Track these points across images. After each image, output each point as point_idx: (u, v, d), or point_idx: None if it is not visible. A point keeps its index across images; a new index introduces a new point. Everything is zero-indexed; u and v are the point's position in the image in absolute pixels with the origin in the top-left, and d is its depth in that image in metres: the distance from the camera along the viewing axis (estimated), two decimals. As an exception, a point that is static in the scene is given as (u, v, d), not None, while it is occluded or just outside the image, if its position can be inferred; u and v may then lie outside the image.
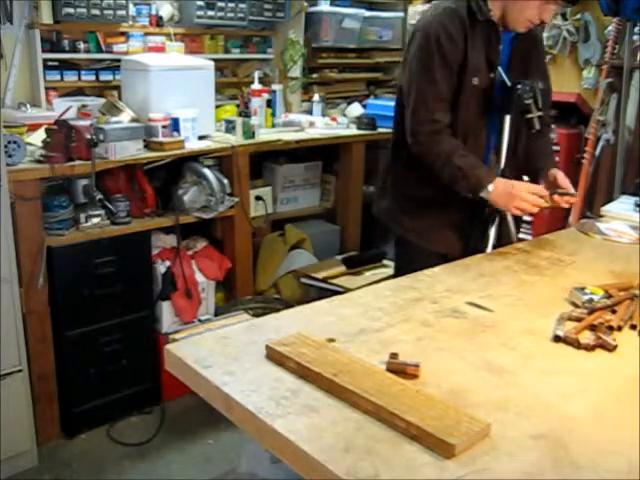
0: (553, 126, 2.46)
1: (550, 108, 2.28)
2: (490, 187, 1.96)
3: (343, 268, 3.43)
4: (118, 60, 3.20)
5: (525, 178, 2.21)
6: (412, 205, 2.18)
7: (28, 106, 3.02)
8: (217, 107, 3.35)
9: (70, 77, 3.23)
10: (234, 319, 1.42)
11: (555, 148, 3.33)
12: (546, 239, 2.10)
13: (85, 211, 2.68)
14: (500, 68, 2.04)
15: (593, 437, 1.02)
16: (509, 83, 2.02)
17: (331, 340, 1.29)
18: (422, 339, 1.33)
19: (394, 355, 1.20)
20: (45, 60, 3.12)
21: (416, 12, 4.13)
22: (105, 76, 3.30)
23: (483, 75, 2.02)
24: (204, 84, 3.14)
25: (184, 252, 3.04)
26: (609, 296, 1.49)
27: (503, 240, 2.11)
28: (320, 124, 3.66)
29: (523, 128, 2.10)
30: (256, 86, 3.54)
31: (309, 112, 3.91)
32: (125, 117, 2.86)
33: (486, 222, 2.11)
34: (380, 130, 3.61)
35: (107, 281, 2.72)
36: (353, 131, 3.69)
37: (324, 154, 3.76)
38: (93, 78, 3.28)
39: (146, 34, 3.41)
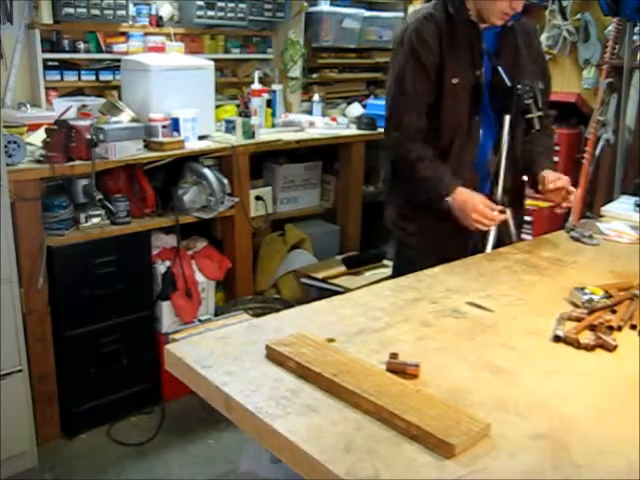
0: (554, 127, 2.44)
1: (548, 107, 2.25)
2: (449, 199, 1.97)
3: (343, 268, 3.43)
4: (118, 60, 3.20)
5: (525, 178, 2.20)
6: (410, 209, 2.18)
7: (28, 106, 3.02)
8: (217, 107, 3.35)
9: (70, 77, 3.23)
10: (234, 319, 1.42)
11: (555, 148, 3.34)
12: (546, 239, 2.10)
13: (85, 211, 2.68)
14: (500, 68, 2.03)
15: (593, 437, 1.02)
16: (509, 83, 2.02)
17: (331, 340, 1.29)
18: (422, 339, 1.33)
19: (394, 355, 1.20)
20: (45, 60, 3.12)
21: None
22: (105, 76, 3.30)
23: (465, 74, 2.03)
24: (204, 84, 3.14)
25: (184, 252, 3.04)
26: (609, 296, 1.49)
27: (503, 240, 2.09)
28: (320, 124, 3.66)
29: (519, 128, 2.10)
30: (256, 86, 3.54)
31: (309, 112, 3.91)
32: (125, 117, 2.86)
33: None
34: (380, 130, 3.60)
35: (107, 281, 2.72)
36: (353, 131, 3.69)
37: (324, 154, 3.76)
38: (93, 78, 3.28)
39: (146, 34, 3.41)
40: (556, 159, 3.34)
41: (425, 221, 2.13)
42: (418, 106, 2.04)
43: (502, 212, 2.00)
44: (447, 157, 2.07)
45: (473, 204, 1.94)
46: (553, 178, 2.04)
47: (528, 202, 3.29)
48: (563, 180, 2.04)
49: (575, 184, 3.36)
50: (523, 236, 3.15)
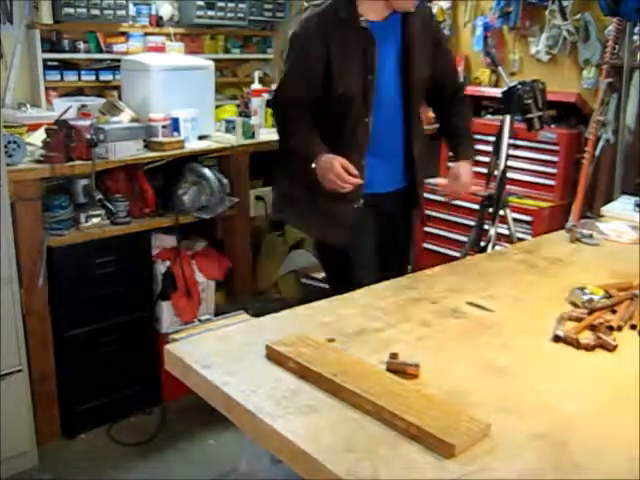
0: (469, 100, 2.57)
1: (457, 79, 2.46)
2: (314, 165, 2.07)
3: (343, 268, 3.42)
4: (118, 60, 3.20)
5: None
6: (298, 201, 2.27)
7: (28, 106, 3.03)
8: (217, 107, 3.35)
9: (70, 77, 3.23)
10: (234, 319, 1.43)
11: (555, 148, 3.34)
12: (546, 239, 2.10)
13: (85, 211, 2.68)
14: (501, 68, 2.03)
15: (593, 437, 1.02)
16: (508, 82, 2.02)
17: (331, 340, 1.29)
18: (422, 339, 1.33)
19: (394, 355, 1.20)
20: (45, 60, 3.12)
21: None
22: (105, 76, 3.30)
23: (355, 81, 2.07)
24: (204, 84, 3.14)
25: (184, 252, 3.03)
26: (609, 296, 1.49)
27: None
28: (320, 124, 3.65)
29: (419, 109, 2.24)
30: (256, 86, 3.54)
31: (309, 112, 3.90)
32: (125, 117, 2.86)
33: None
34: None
35: (107, 281, 2.72)
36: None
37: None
38: (93, 78, 3.28)
39: (146, 34, 3.41)
40: (555, 159, 3.35)
41: (311, 209, 2.23)
42: (301, 99, 2.14)
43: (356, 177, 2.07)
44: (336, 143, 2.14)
45: (331, 165, 2.03)
46: (452, 175, 2.22)
47: (528, 202, 3.31)
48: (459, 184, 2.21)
49: (575, 184, 3.37)
50: (523, 236, 3.16)
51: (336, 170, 2.01)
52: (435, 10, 3.99)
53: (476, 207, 3.36)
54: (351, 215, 2.16)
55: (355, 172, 2.04)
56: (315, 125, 2.15)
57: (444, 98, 2.32)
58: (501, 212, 2.50)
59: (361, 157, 2.14)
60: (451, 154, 2.36)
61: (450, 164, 2.21)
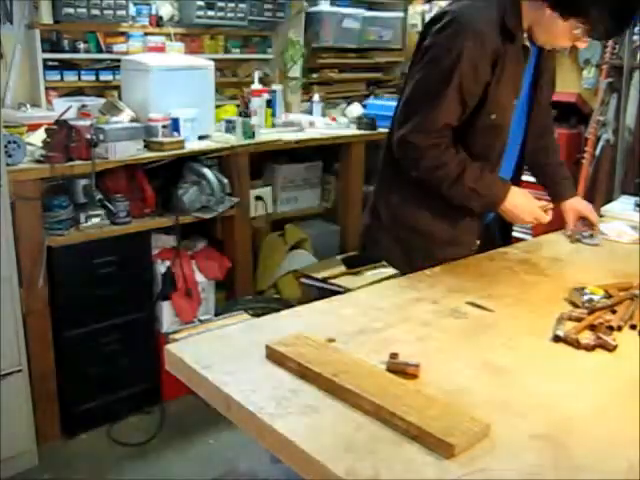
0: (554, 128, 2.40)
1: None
2: (506, 203, 1.80)
3: (343, 268, 3.42)
4: (118, 60, 3.20)
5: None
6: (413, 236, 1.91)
7: (28, 106, 3.02)
8: (217, 107, 3.35)
9: (70, 77, 3.23)
10: (234, 319, 1.43)
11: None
12: (546, 239, 2.10)
13: (85, 211, 2.68)
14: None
15: (593, 437, 1.02)
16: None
17: (331, 340, 1.29)
18: (422, 339, 1.33)
19: (394, 355, 1.20)
20: (45, 60, 3.12)
21: (416, 12, 4.13)
22: (105, 76, 3.30)
23: (506, 107, 1.77)
24: (204, 84, 3.14)
25: (184, 252, 3.03)
26: (609, 296, 1.49)
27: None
28: (320, 124, 3.66)
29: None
30: (256, 86, 3.55)
31: (309, 112, 3.91)
32: (125, 117, 2.86)
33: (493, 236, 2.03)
34: (380, 130, 3.61)
35: (107, 281, 2.72)
36: (353, 131, 3.69)
37: (324, 154, 3.76)
38: (93, 78, 3.28)
39: (146, 34, 3.41)
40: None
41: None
42: (440, 134, 1.76)
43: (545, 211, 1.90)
44: None
45: (530, 207, 1.84)
46: (584, 213, 2.07)
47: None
48: (593, 215, 2.06)
49: (575, 184, 3.37)
50: (523, 236, 3.15)
51: (537, 214, 1.85)
52: (435, 10, 4.00)
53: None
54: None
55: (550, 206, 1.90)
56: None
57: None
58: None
59: None
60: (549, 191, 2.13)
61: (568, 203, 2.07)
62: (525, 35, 1.74)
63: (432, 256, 1.82)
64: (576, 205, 2.08)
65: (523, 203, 1.83)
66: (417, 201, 1.87)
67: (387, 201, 1.95)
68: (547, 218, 1.88)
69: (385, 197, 1.97)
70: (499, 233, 2.07)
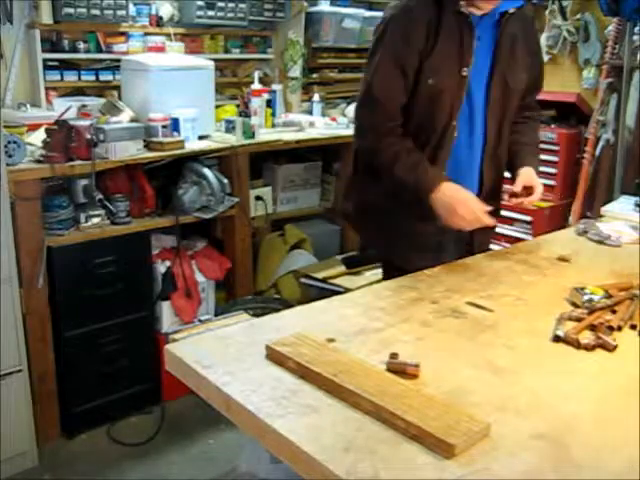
0: (543, 125, 2.32)
1: (537, 101, 2.13)
2: (434, 194, 1.76)
3: (343, 268, 3.42)
4: (118, 60, 3.20)
5: (507, 175, 2.04)
6: (376, 216, 1.99)
7: (28, 106, 3.03)
8: (217, 107, 3.35)
9: (70, 77, 3.23)
10: (234, 319, 1.42)
11: (555, 148, 3.34)
12: (546, 239, 2.10)
13: (85, 211, 2.68)
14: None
15: (593, 437, 1.02)
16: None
17: (331, 340, 1.29)
18: (422, 339, 1.33)
19: (394, 355, 1.20)
20: (45, 60, 3.12)
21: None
22: (105, 76, 3.30)
23: (447, 74, 1.80)
24: (204, 84, 3.14)
25: (184, 252, 3.03)
26: (609, 296, 1.49)
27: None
28: (320, 124, 3.66)
29: (508, 124, 1.95)
30: (256, 86, 3.54)
31: (309, 112, 3.91)
32: (125, 117, 2.86)
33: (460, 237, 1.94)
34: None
35: (107, 281, 2.72)
36: (353, 131, 3.68)
37: (324, 154, 3.76)
38: (93, 78, 3.28)
39: (146, 34, 3.41)
40: (555, 159, 3.35)
41: (391, 229, 1.95)
42: (389, 109, 1.84)
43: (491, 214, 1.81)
44: None
45: (466, 201, 1.76)
46: (525, 183, 1.91)
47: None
48: (535, 191, 1.91)
49: (575, 184, 3.37)
50: (523, 236, 3.16)
51: (476, 209, 1.75)
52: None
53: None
54: (434, 238, 1.91)
55: (488, 208, 1.79)
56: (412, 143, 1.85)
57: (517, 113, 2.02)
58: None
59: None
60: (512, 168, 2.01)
61: (521, 171, 1.92)
62: (463, 3, 1.77)
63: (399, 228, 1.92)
64: (529, 173, 1.93)
65: (459, 198, 1.76)
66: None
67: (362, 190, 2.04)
68: (489, 220, 1.79)
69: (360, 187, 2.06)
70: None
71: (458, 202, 1.75)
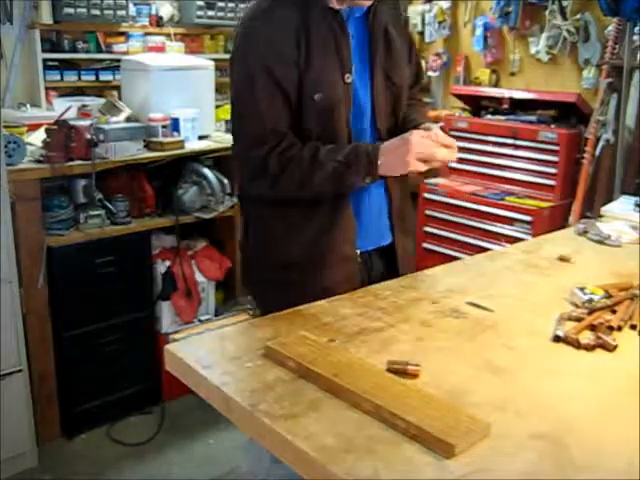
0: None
1: (420, 80, 1.87)
2: (380, 160, 1.49)
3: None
4: (118, 60, 3.21)
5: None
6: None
7: (28, 106, 3.03)
8: (217, 107, 3.35)
9: (70, 77, 3.23)
10: (234, 319, 1.42)
11: (555, 148, 3.34)
12: (546, 239, 2.10)
13: (85, 211, 2.68)
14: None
15: (593, 437, 1.02)
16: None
17: (331, 340, 1.29)
18: (422, 339, 1.33)
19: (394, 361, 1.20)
20: (45, 60, 3.12)
21: (416, 12, 4.13)
22: (105, 76, 3.30)
23: (331, 84, 1.53)
24: (204, 84, 3.14)
25: (184, 252, 3.04)
26: (609, 296, 1.49)
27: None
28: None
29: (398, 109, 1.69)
30: (256, 86, 3.54)
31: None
32: (125, 117, 2.86)
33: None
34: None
35: (107, 281, 2.72)
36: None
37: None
38: (93, 78, 3.29)
39: (146, 34, 3.41)
40: (555, 159, 3.34)
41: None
42: (275, 137, 1.52)
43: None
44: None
45: (411, 137, 1.46)
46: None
47: (528, 202, 3.30)
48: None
49: (575, 184, 3.37)
50: (523, 236, 3.15)
51: (426, 136, 1.47)
52: (435, 10, 4.00)
53: (476, 207, 3.38)
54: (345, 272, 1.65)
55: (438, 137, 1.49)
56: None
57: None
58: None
59: (346, 201, 1.61)
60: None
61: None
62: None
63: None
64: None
65: (403, 141, 1.48)
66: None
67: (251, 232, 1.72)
68: (450, 139, 1.50)
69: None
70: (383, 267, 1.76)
71: (403, 144, 1.48)
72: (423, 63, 3.93)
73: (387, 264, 1.76)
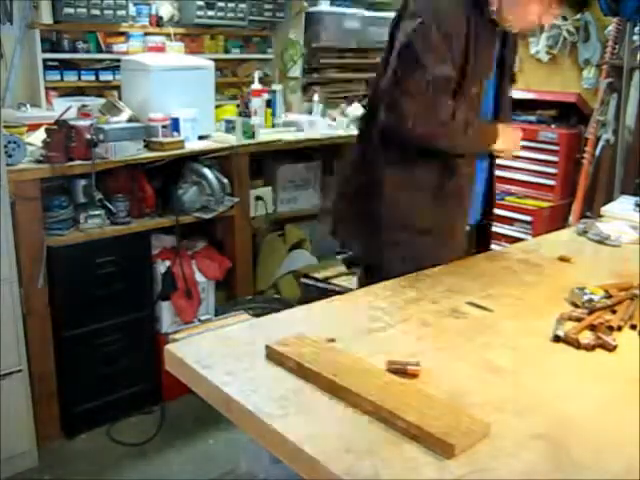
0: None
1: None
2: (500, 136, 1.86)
3: (343, 268, 3.42)
4: (118, 60, 3.20)
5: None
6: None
7: (28, 106, 3.03)
8: (217, 107, 3.35)
9: (70, 77, 3.23)
10: (234, 319, 1.42)
11: (555, 148, 3.34)
12: (546, 239, 2.10)
13: (85, 211, 2.68)
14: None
15: (593, 437, 1.02)
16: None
17: (331, 340, 1.29)
18: (422, 339, 1.33)
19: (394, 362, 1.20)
20: (45, 60, 3.12)
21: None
22: (105, 76, 3.30)
23: (481, 82, 1.79)
24: (204, 84, 3.14)
25: (184, 252, 3.04)
26: (609, 296, 1.49)
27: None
28: (320, 124, 3.65)
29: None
30: (256, 86, 3.54)
31: (309, 112, 3.91)
32: (125, 117, 2.86)
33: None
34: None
35: (107, 281, 2.72)
36: (353, 131, 3.68)
37: (324, 154, 3.76)
38: (93, 78, 3.28)
39: (146, 34, 3.41)
40: (555, 159, 3.35)
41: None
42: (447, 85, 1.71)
43: None
44: None
45: (513, 132, 1.92)
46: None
47: (528, 202, 3.31)
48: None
49: (575, 184, 3.37)
50: (523, 236, 3.16)
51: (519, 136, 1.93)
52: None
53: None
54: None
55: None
56: None
57: None
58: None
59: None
60: None
61: None
62: (492, 9, 1.73)
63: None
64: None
65: (510, 131, 1.92)
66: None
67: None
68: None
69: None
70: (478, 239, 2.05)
71: (511, 131, 1.90)
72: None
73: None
